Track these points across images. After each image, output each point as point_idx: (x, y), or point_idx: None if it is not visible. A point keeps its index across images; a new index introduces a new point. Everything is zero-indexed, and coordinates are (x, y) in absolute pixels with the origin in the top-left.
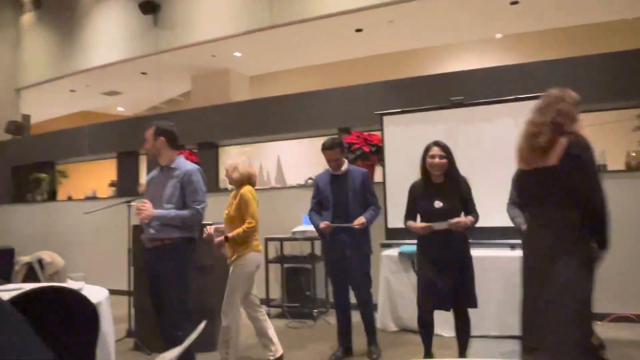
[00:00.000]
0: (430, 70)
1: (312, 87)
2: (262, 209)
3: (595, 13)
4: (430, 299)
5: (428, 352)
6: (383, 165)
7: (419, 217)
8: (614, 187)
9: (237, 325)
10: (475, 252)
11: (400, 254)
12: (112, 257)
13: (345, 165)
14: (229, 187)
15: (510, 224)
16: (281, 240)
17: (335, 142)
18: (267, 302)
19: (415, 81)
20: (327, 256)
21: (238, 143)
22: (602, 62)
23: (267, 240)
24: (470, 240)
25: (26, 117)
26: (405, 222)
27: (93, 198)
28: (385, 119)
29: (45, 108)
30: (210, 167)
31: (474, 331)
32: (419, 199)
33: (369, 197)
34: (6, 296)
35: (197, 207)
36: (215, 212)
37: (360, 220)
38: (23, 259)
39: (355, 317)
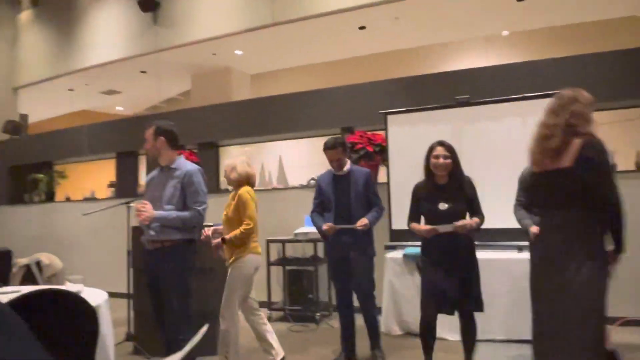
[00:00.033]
0: (436, 68)
1: (315, 86)
2: (264, 210)
3: (604, 9)
4: (434, 302)
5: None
6: (387, 166)
7: (422, 219)
8: (624, 188)
9: (236, 329)
10: (481, 254)
11: (405, 256)
12: (111, 259)
13: (347, 166)
14: (230, 187)
15: (517, 225)
16: (283, 242)
17: (337, 142)
18: (268, 305)
19: (420, 79)
20: (330, 258)
21: (239, 143)
22: (612, 59)
23: (268, 242)
24: (475, 242)
25: (24, 117)
26: (408, 224)
27: (92, 199)
28: (390, 118)
29: (43, 107)
30: (210, 167)
31: (480, 335)
32: (422, 200)
33: (372, 198)
34: (4, 299)
35: (198, 208)
36: (216, 214)
37: (363, 221)
38: (20, 261)
39: (359, 320)
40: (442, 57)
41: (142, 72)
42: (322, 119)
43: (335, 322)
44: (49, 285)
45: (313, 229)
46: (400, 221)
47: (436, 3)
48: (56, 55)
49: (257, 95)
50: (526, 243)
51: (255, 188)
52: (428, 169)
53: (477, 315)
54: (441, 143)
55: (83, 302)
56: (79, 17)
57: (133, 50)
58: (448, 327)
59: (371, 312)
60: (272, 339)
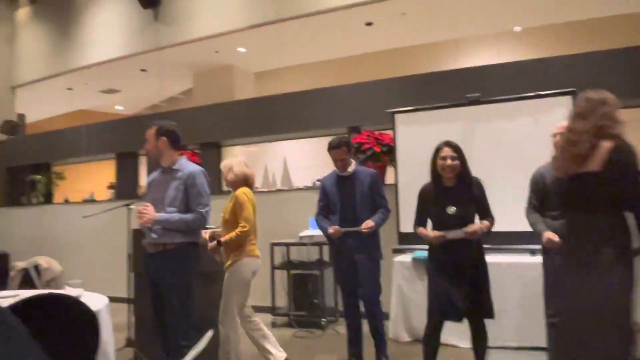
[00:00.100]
0: (445, 65)
1: (320, 84)
2: (268, 212)
3: (619, 5)
4: (440, 310)
5: None
6: (395, 166)
7: (429, 223)
8: None
9: (236, 334)
10: (492, 258)
11: (414, 259)
12: (111, 262)
13: (352, 166)
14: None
15: (530, 228)
16: (288, 245)
17: (342, 141)
18: (272, 310)
19: (429, 77)
20: (335, 262)
21: (242, 143)
22: (627, 56)
23: (272, 245)
24: (486, 246)
25: (21, 117)
26: (415, 229)
27: (91, 201)
28: (397, 117)
29: (41, 107)
30: (213, 168)
31: (491, 342)
32: (429, 204)
33: (378, 200)
34: (4, 303)
35: (201, 210)
36: (219, 216)
37: (368, 223)
38: (19, 264)
39: (366, 326)
40: (452, 54)
41: (143, 70)
42: (328, 119)
43: (341, 328)
44: (47, 289)
45: (318, 232)
46: (408, 224)
47: None
48: (54, 54)
49: (261, 94)
50: (539, 246)
51: (259, 190)
52: (435, 171)
53: (488, 322)
54: (448, 143)
55: (83, 308)
56: (77, 14)
57: (133, 48)
58: (459, 334)
59: (377, 318)
60: (269, 343)
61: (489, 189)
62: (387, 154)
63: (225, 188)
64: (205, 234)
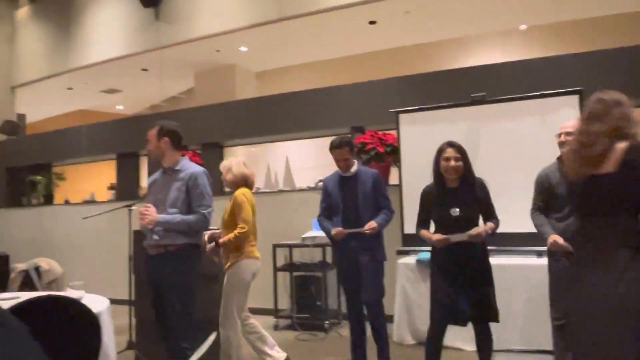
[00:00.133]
0: (450, 64)
1: (323, 84)
2: (270, 213)
3: (627, 3)
4: (443, 314)
5: None
6: (399, 167)
7: (432, 225)
8: None
9: (237, 337)
10: (498, 260)
11: (418, 261)
12: (111, 264)
13: (355, 167)
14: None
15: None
16: (290, 246)
17: (343, 141)
18: (275, 312)
19: (433, 76)
20: (339, 264)
21: (244, 143)
22: (635, 54)
23: (275, 246)
24: (492, 247)
25: (21, 117)
26: (417, 231)
27: (91, 202)
28: (402, 117)
29: (41, 107)
30: (214, 168)
31: (497, 345)
32: (432, 205)
33: (381, 200)
34: (4, 306)
35: (204, 211)
36: (220, 217)
37: (371, 224)
38: (19, 266)
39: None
40: (457, 52)
41: (144, 70)
42: (331, 118)
43: (344, 330)
44: (48, 291)
45: (321, 233)
46: (412, 225)
47: None
48: (55, 53)
49: (263, 93)
50: (545, 248)
51: (260, 190)
52: (437, 172)
53: (494, 324)
54: (451, 144)
55: (85, 309)
56: (78, 13)
57: (134, 48)
58: (463, 337)
59: (379, 320)
60: (266, 345)
61: (494, 190)
62: (390, 154)
63: (227, 189)
64: (205, 235)
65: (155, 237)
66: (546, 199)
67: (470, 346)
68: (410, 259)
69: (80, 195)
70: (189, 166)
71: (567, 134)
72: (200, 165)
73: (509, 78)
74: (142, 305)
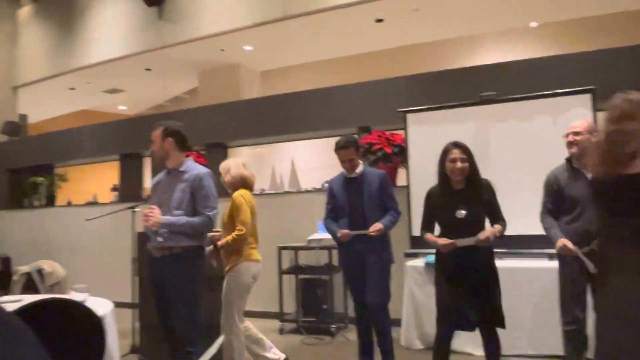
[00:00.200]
0: (459, 63)
1: (329, 83)
2: (275, 215)
3: None
4: (449, 319)
5: None
6: (407, 168)
7: (437, 228)
8: None
9: (239, 341)
10: (508, 263)
11: (427, 264)
12: (115, 266)
13: (360, 167)
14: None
15: None
16: (296, 249)
17: (349, 141)
18: (280, 316)
19: (442, 75)
20: (345, 267)
21: (249, 144)
22: None
23: (280, 249)
24: (501, 250)
25: (23, 117)
26: (422, 234)
27: (94, 203)
28: (409, 117)
29: (43, 107)
30: (218, 170)
31: (506, 350)
32: (437, 208)
33: (387, 201)
34: (8, 308)
35: (209, 213)
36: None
37: (377, 226)
38: (21, 268)
39: None
40: (466, 51)
41: (147, 69)
42: (337, 118)
43: (351, 334)
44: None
45: (327, 236)
46: (419, 227)
47: None
48: (57, 53)
49: (268, 93)
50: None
51: (266, 192)
52: (443, 174)
53: (503, 329)
54: (456, 144)
55: (89, 312)
56: (80, 13)
57: (137, 47)
58: (473, 342)
59: (384, 325)
60: (260, 347)
61: (504, 191)
62: (398, 155)
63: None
64: None
65: (160, 239)
66: (555, 201)
67: (480, 351)
68: (419, 262)
69: (83, 196)
70: (193, 167)
71: (575, 133)
72: (204, 166)
73: (519, 77)
74: (146, 308)
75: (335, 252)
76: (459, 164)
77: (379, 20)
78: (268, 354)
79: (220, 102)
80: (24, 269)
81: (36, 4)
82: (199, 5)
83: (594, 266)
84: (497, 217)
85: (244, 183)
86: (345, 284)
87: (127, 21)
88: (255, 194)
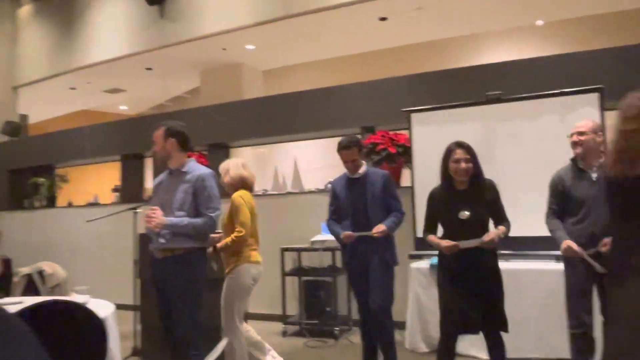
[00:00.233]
0: (464, 62)
1: (332, 82)
2: (278, 216)
3: None
4: (453, 323)
5: None
6: (411, 168)
7: (440, 229)
8: None
9: (240, 344)
10: (514, 265)
11: (432, 266)
12: (116, 268)
13: (363, 168)
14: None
15: None
16: (299, 250)
17: (352, 141)
18: (283, 318)
19: (446, 74)
20: (348, 269)
21: (251, 144)
22: None
23: (283, 250)
24: (509, 252)
25: (23, 117)
26: (424, 236)
27: (95, 204)
28: (414, 116)
29: (44, 107)
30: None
31: (512, 353)
32: (440, 208)
33: (391, 202)
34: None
35: (211, 214)
36: None
37: (380, 227)
38: (22, 270)
39: None
40: (471, 49)
41: (148, 69)
42: (341, 118)
43: (355, 337)
44: (52, 295)
45: (331, 237)
46: None
47: None
48: (57, 52)
49: (270, 92)
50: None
51: (268, 193)
52: (446, 174)
53: (511, 332)
54: (460, 145)
55: (91, 315)
56: (81, 12)
57: (138, 46)
58: (478, 345)
59: (385, 328)
60: (258, 350)
61: (511, 192)
62: (402, 155)
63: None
64: None
65: (162, 240)
66: (561, 203)
67: (486, 354)
68: (423, 264)
69: (84, 197)
70: (196, 168)
71: (580, 133)
72: (206, 166)
73: (525, 76)
74: (148, 310)
75: (338, 254)
76: (463, 165)
77: (383, 19)
78: (267, 358)
79: (222, 102)
80: (25, 270)
81: (36, 3)
82: (200, 4)
83: (600, 267)
84: (500, 218)
85: (244, 184)
86: (349, 286)
87: (128, 20)
88: (257, 195)
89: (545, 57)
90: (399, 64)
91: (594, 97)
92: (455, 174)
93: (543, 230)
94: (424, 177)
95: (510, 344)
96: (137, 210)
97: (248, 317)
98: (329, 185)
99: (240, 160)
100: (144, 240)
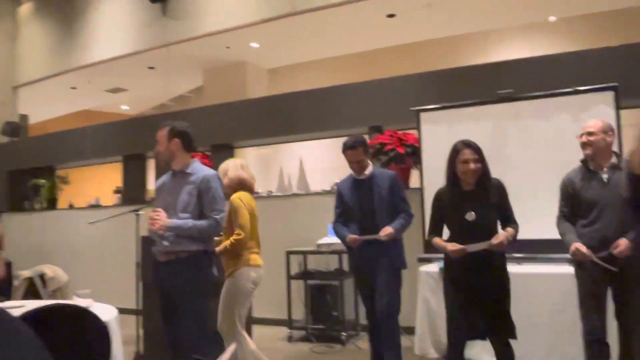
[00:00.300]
0: (474, 59)
1: (339, 81)
2: (283, 218)
3: None
4: (461, 329)
5: None
6: (420, 169)
7: (445, 231)
8: None
9: (243, 349)
10: (525, 269)
11: (441, 269)
12: (118, 271)
13: (369, 169)
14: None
15: None
16: (305, 253)
17: (357, 141)
18: (289, 323)
19: (456, 72)
20: (355, 272)
21: (256, 144)
22: None
23: (288, 253)
24: (521, 255)
25: (23, 118)
26: (430, 239)
27: (97, 206)
28: (422, 115)
29: (44, 107)
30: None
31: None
32: (446, 210)
33: (399, 204)
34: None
35: (216, 217)
36: None
37: (386, 230)
38: (23, 273)
39: None
40: (481, 47)
41: (150, 68)
42: (347, 118)
43: (363, 342)
44: (53, 299)
45: (337, 240)
46: None
47: None
48: (58, 51)
49: (275, 91)
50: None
51: (273, 194)
52: (453, 174)
53: (521, 338)
54: (467, 144)
55: (94, 319)
56: (82, 10)
57: (140, 45)
58: (489, 351)
59: (391, 332)
60: (250, 354)
61: (522, 193)
62: (411, 156)
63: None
64: None
65: (166, 243)
66: (571, 206)
67: None
68: (433, 267)
69: (85, 199)
70: (200, 169)
71: (589, 134)
72: (209, 167)
73: (537, 74)
74: (150, 314)
75: (345, 257)
76: (472, 166)
77: (391, 16)
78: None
79: (225, 101)
80: (26, 273)
81: (36, 2)
82: (203, 1)
83: (611, 266)
84: (508, 220)
85: (241, 185)
86: (356, 290)
87: (129, 18)
88: (262, 196)
89: (558, 54)
90: (408, 62)
91: (609, 95)
92: (463, 175)
93: (556, 233)
94: (433, 178)
95: (521, 351)
96: (140, 212)
97: (252, 322)
98: (335, 187)
99: (239, 161)
100: (146, 243)
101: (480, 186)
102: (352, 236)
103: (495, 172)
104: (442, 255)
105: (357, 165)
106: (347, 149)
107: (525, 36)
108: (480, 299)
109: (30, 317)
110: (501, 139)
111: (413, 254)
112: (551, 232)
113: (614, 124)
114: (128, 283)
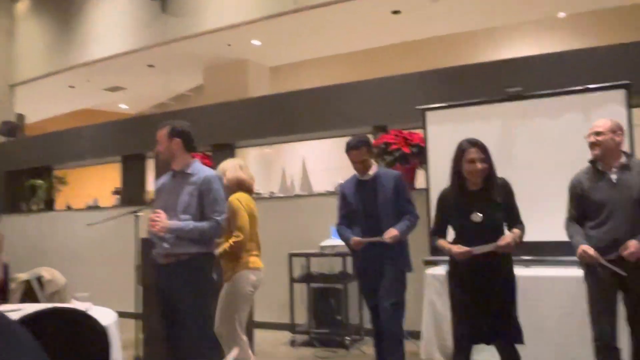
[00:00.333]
0: (481, 57)
1: (343, 79)
2: (286, 220)
3: None
4: (467, 332)
5: None
6: (426, 169)
7: (450, 232)
8: None
9: (244, 353)
10: (534, 271)
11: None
12: (117, 274)
13: (373, 169)
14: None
15: None
16: (308, 256)
17: (361, 141)
18: (292, 327)
19: (463, 70)
20: (360, 275)
21: (257, 144)
22: None
23: (291, 256)
24: (530, 258)
25: (20, 117)
26: (434, 240)
27: (95, 207)
28: (428, 114)
29: (42, 106)
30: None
31: None
32: (451, 210)
33: (403, 205)
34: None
35: (218, 218)
36: None
37: (392, 232)
38: (20, 276)
39: None
40: (489, 44)
41: (150, 66)
42: (351, 117)
43: (367, 347)
44: (51, 302)
45: (341, 242)
46: None
47: None
48: (55, 49)
49: (277, 90)
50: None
51: (275, 195)
52: (459, 174)
53: (529, 341)
54: (473, 143)
55: (94, 323)
56: (79, 7)
57: (139, 43)
58: (497, 355)
59: (394, 335)
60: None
61: (531, 194)
62: (417, 156)
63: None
64: None
65: (166, 245)
66: (580, 207)
67: None
68: (439, 270)
69: (83, 200)
70: (201, 169)
71: (597, 134)
72: (210, 167)
73: (546, 71)
74: (150, 318)
75: (349, 260)
76: (479, 165)
77: (396, 12)
78: None
79: (226, 100)
80: (23, 276)
81: None
82: None
83: (621, 270)
84: (514, 220)
85: (240, 186)
86: (360, 294)
87: (128, 15)
88: (264, 198)
89: (568, 51)
90: (413, 60)
91: (620, 93)
92: (469, 175)
93: (565, 235)
94: (439, 178)
95: (529, 355)
96: (139, 214)
97: (254, 326)
98: (339, 188)
99: (238, 162)
100: (146, 245)
101: (487, 186)
102: (355, 238)
103: (502, 173)
104: (448, 258)
105: (360, 165)
106: (350, 149)
107: (533, 33)
108: (486, 302)
109: (29, 321)
110: (509, 138)
111: (418, 257)
112: (560, 234)
113: (625, 123)
114: (127, 286)
